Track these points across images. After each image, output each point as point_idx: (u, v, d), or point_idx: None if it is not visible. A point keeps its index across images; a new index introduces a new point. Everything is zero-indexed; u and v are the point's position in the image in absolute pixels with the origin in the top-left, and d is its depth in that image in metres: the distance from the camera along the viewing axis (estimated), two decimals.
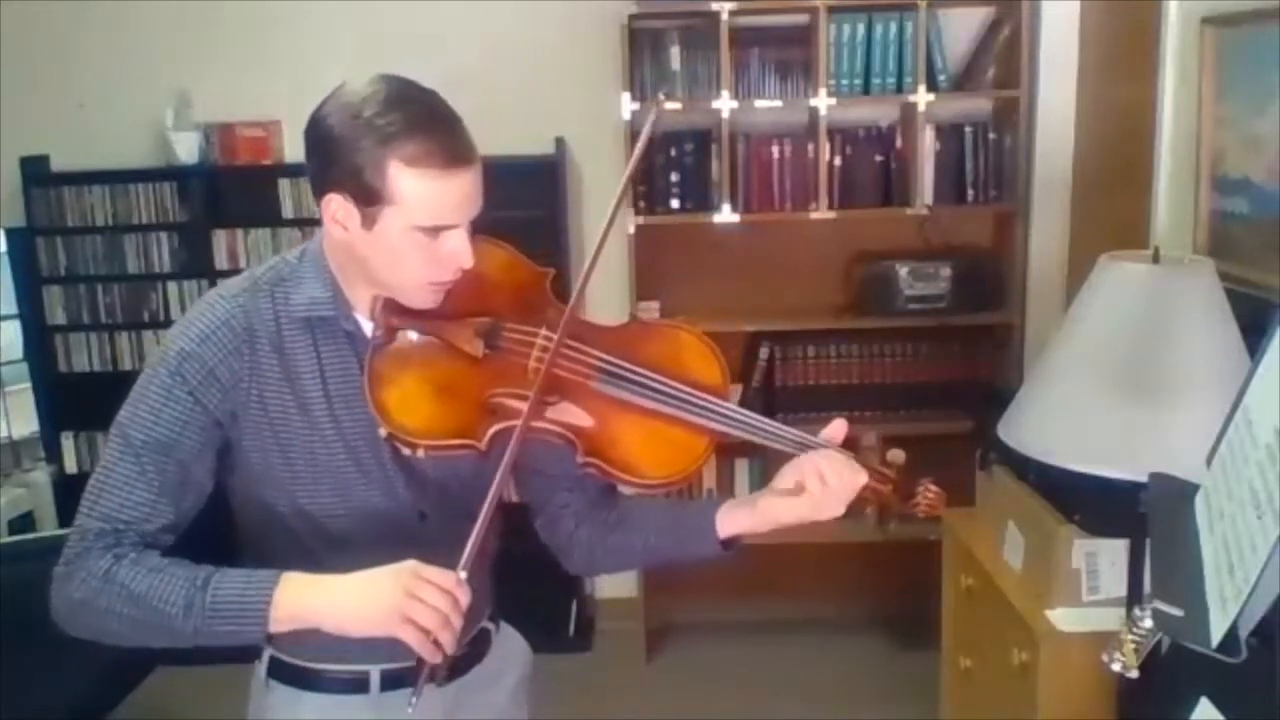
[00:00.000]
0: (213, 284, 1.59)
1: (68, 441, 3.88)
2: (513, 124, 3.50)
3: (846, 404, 3.62)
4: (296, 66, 3.56)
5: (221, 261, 3.75)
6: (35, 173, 3.76)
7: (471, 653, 1.57)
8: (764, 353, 3.73)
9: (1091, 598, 2.25)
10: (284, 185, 3.73)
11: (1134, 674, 1.43)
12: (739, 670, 3.72)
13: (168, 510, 1.38)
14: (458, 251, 1.36)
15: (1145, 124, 2.78)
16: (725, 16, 3.44)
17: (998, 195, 3.63)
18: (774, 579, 3.80)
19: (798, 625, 3.92)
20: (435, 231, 1.34)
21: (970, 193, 3.63)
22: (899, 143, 3.64)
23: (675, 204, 3.64)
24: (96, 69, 3.79)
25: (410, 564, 1.29)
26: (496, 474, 1.33)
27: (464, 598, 1.29)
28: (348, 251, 1.39)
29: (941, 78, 3.55)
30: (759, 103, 3.60)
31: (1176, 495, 1.41)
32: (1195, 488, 1.38)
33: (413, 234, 1.33)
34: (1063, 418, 1.92)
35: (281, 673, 1.53)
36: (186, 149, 3.74)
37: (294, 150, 3.69)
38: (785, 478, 1.44)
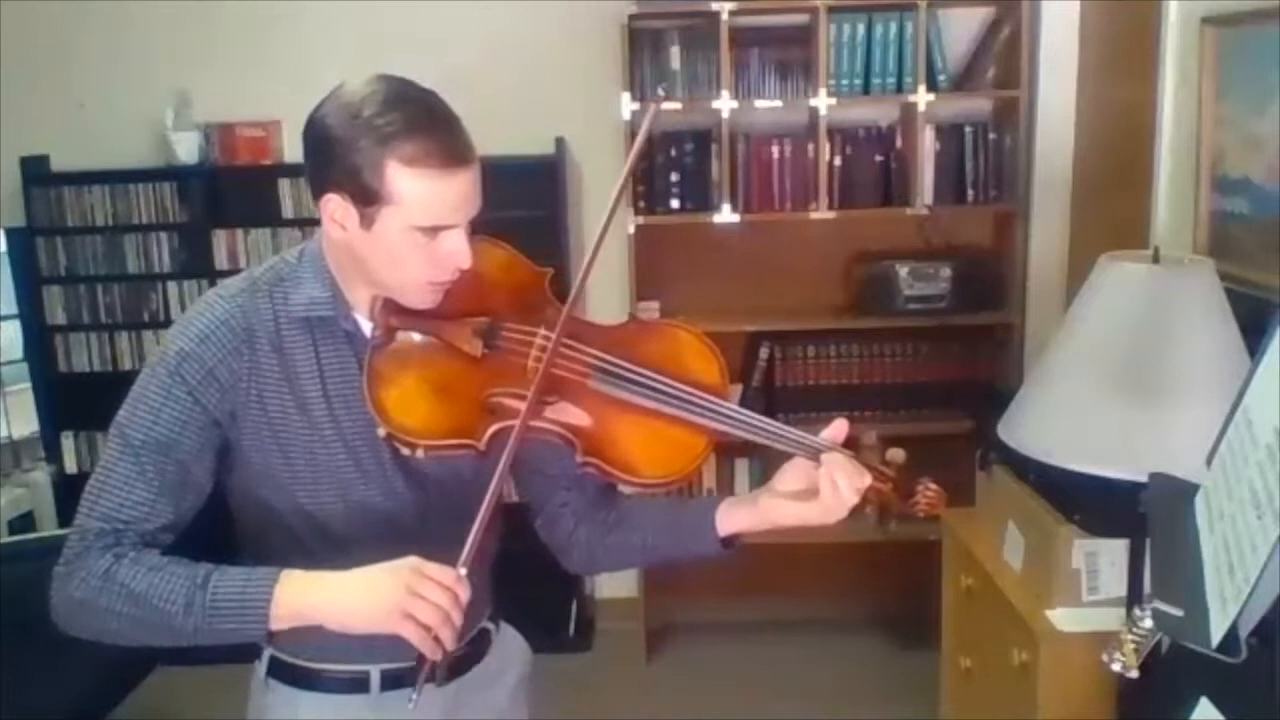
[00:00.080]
0: (213, 284, 1.58)
1: (68, 441, 3.88)
2: (513, 124, 3.50)
3: (846, 404, 3.61)
4: (296, 66, 3.56)
5: (221, 262, 3.75)
6: (35, 173, 3.76)
7: (471, 652, 1.57)
8: (764, 352, 3.73)
9: (1091, 598, 2.25)
10: (284, 185, 3.73)
11: (1134, 674, 1.43)
12: (739, 670, 3.71)
13: (167, 510, 1.38)
14: (456, 251, 1.36)
15: (1145, 124, 2.78)
16: (725, 16, 3.44)
17: (998, 195, 3.63)
18: (774, 579, 3.80)
19: (798, 625, 3.92)
20: (434, 231, 1.33)
21: (970, 193, 3.63)
22: (899, 143, 3.64)
23: (675, 204, 3.64)
24: (96, 69, 3.79)
25: (411, 560, 1.29)
26: (495, 473, 1.33)
27: (464, 594, 1.28)
28: (346, 251, 1.39)
29: (941, 78, 3.55)
30: (759, 103, 3.59)
31: (1176, 495, 1.41)
32: (1195, 488, 1.38)
33: (411, 234, 1.33)
34: (1062, 418, 1.92)
35: (281, 672, 1.52)
36: (186, 149, 3.74)
37: (294, 150, 3.69)
38: (787, 478, 1.44)
